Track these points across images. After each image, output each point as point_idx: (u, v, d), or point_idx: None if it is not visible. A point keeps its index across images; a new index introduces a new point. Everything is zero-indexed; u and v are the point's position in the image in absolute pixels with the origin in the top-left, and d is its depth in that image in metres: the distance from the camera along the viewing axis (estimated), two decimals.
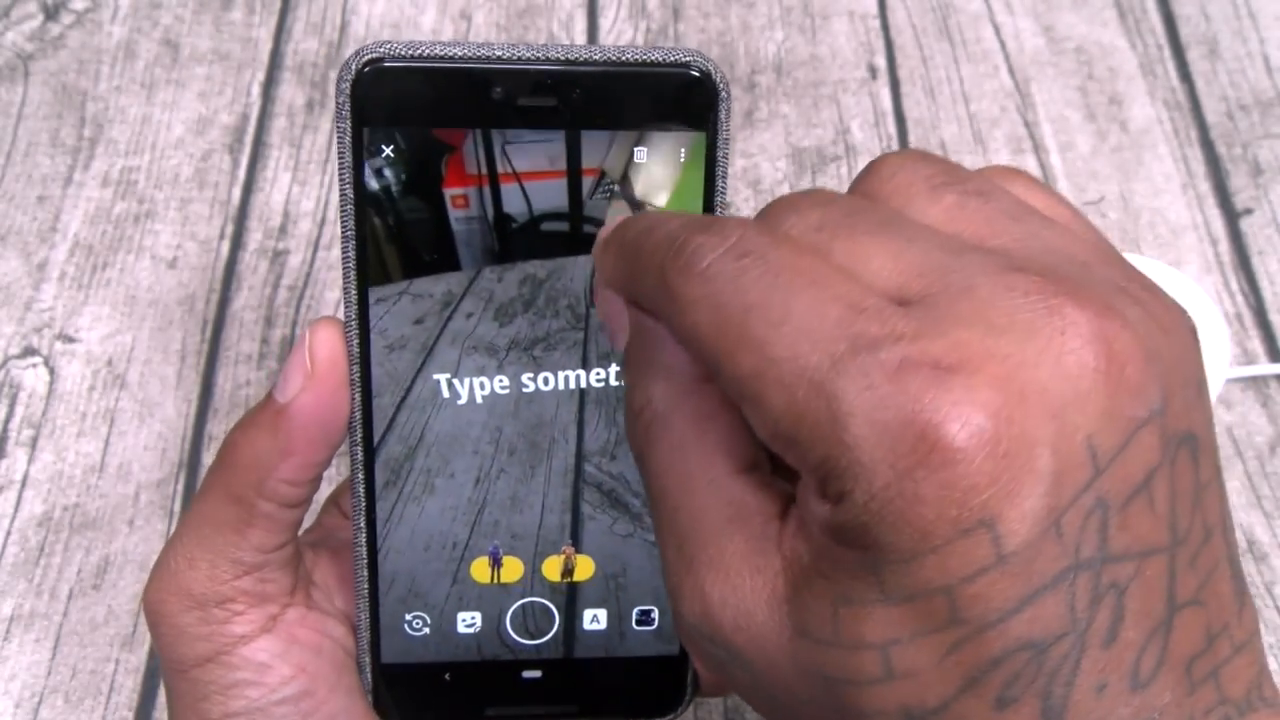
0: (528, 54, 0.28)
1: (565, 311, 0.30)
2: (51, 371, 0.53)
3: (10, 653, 0.46)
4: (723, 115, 0.29)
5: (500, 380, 0.31)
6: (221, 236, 0.57)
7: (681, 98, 0.29)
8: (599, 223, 0.30)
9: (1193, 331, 0.23)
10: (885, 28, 0.66)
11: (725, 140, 0.29)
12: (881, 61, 0.65)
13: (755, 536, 0.22)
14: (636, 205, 0.30)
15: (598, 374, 0.31)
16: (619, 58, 0.28)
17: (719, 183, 0.29)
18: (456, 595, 0.33)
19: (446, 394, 0.31)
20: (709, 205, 0.30)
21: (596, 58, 0.28)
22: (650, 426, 0.24)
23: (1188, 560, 0.21)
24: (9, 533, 0.49)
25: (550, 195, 0.29)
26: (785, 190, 0.60)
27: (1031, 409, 0.20)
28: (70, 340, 0.54)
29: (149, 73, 0.63)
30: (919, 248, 0.22)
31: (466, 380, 0.31)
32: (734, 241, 0.21)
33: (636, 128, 0.29)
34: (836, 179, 0.60)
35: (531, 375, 0.31)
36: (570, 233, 0.30)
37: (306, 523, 0.33)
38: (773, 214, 0.23)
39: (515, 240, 0.30)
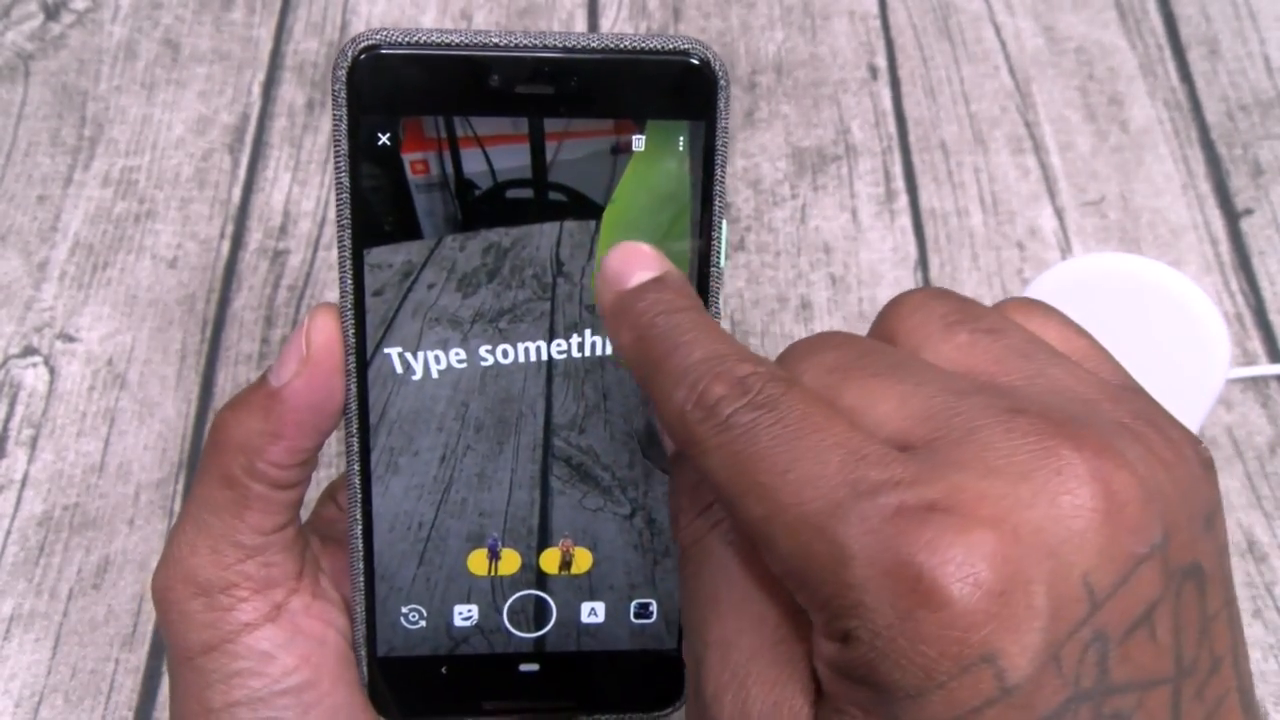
0: (525, 41, 0.28)
1: (531, 281, 0.30)
2: (51, 371, 0.53)
3: (10, 652, 0.46)
4: (722, 104, 0.29)
5: (458, 354, 0.31)
6: (222, 236, 0.57)
7: (680, 86, 0.28)
8: (564, 188, 0.30)
9: (1204, 464, 0.23)
10: (885, 28, 0.66)
11: (725, 129, 0.29)
12: (882, 61, 0.65)
13: (784, 660, 0.23)
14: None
15: (560, 346, 0.31)
16: (617, 45, 0.28)
17: (718, 172, 0.29)
18: (454, 588, 0.32)
19: (401, 370, 0.30)
20: (707, 196, 0.29)
21: (594, 45, 0.28)
22: (696, 548, 0.25)
23: (1194, 691, 0.22)
24: (9, 532, 0.49)
25: (514, 159, 0.29)
26: (785, 190, 0.60)
27: (1026, 549, 0.20)
28: (70, 340, 0.54)
29: (149, 73, 0.63)
30: (925, 391, 0.23)
31: (426, 355, 0.30)
32: (751, 396, 0.23)
33: (634, 116, 0.29)
34: (837, 179, 0.60)
35: (491, 348, 0.31)
36: (535, 199, 0.30)
37: (303, 516, 0.34)
38: (792, 356, 0.25)
39: (479, 207, 0.30)
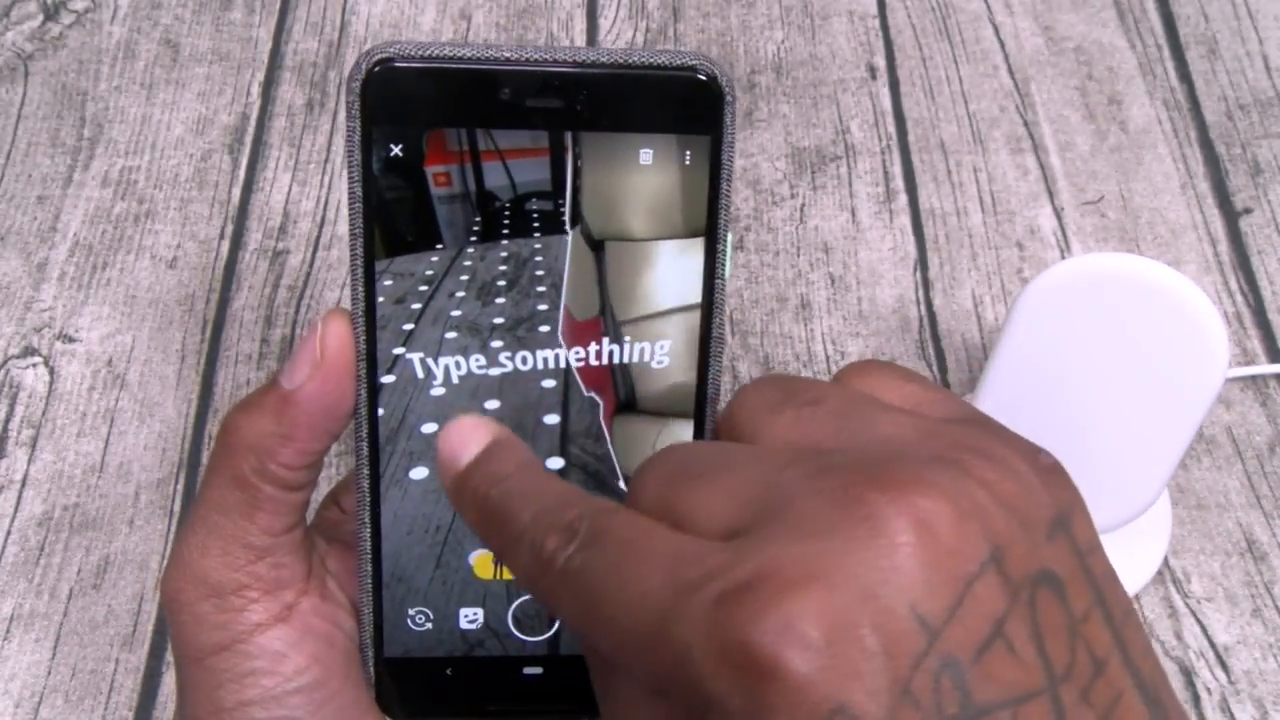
0: (536, 55, 0.28)
1: (551, 291, 0.31)
2: (51, 371, 0.53)
3: (10, 652, 0.46)
4: (728, 119, 0.29)
5: (478, 360, 0.31)
6: (221, 236, 0.57)
7: (687, 100, 0.29)
8: (577, 200, 0.30)
9: (1043, 472, 0.23)
10: (885, 28, 0.66)
11: (730, 144, 0.29)
12: (881, 61, 0.65)
13: None
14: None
15: (579, 353, 0.31)
16: (626, 60, 0.28)
17: (723, 185, 0.30)
18: (460, 591, 0.33)
19: (423, 375, 0.31)
20: (713, 208, 0.30)
21: (604, 60, 0.28)
22: (597, 680, 0.26)
23: (1077, 696, 0.22)
24: (9, 533, 0.49)
25: (533, 172, 0.30)
26: (785, 190, 0.60)
27: (845, 597, 0.21)
28: (70, 340, 0.54)
29: (149, 73, 0.63)
30: (745, 477, 0.24)
31: (446, 361, 0.31)
32: (580, 538, 0.24)
33: (643, 129, 0.29)
34: (836, 178, 0.60)
35: (510, 355, 0.31)
36: (554, 211, 0.30)
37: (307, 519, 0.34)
38: (635, 475, 0.26)
39: (499, 219, 0.30)
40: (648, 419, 0.32)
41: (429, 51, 0.28)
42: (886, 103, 0.63)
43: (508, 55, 0.28)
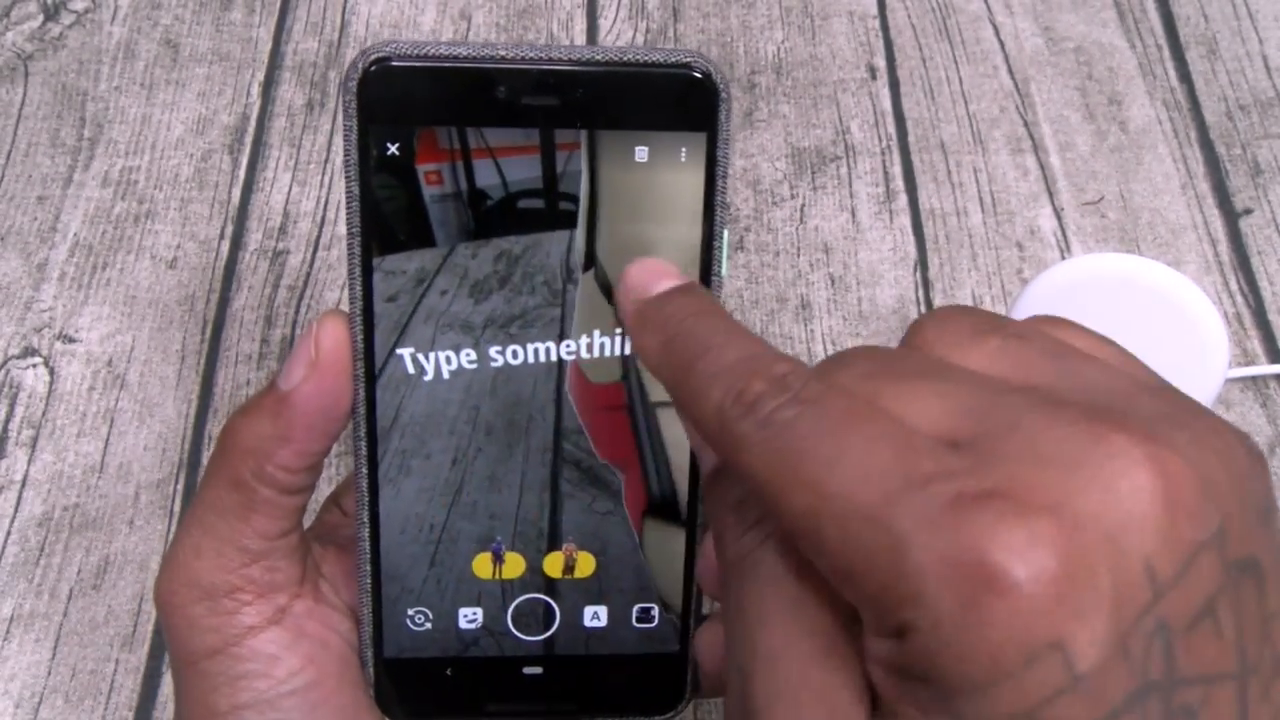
0: (532, 54, 0.28)
1: (542, 288, 0.31)
2: (51, 371, 0.53)
3: (10, 653, 0.46)
4: (723, 116, 0.29)
5: (469, 355, 0.31)
6: (221, 236, 0.57)
7: (683, 98, 0.29)
8: (572, 197, 0.30)
9: (1254, 457, 0.23)
10: (885, 28, 0.66)
11: (726, 141, 0.29)
12: (881, 61, 0.65)
13: (836, 669, 0.23)
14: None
15: (569, 346, 0.31)
16: (622, 58, 0.29)
17: (719, 183, 0.30)
18: (458, 591, 0.33)
19: (414, 370, 0.31)
20: (709, 206, 0.30)
21: (599, 58, 0.28)
22: (743, 564, 0.25)
23: (1260, 691, 0.21)
24: (9, 533, 0.49)
25: (525, 169, 0.30)
26: (785, 190, 0.60)
27: (1087, 533, 0.20)
28: (70, 340, 0.54)
29: (149, 73, 0.63)
30: (963, 390, 0.22)
31: (437, 355, 0.31)
32: (792, 393, 0.22)
33: (638, 127, 0.29)
34: (836, 179, 0.60)
35: (502, 349, 0.31)
36: (547, 208, 0.30)
37: (307, 521, 0.34)
38: (823, 366, 0.24)
39: (490, 216, 0.30)
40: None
41: (425, 50, 0.28)
42: (886, 103, 0.63)
43: (503, 53, 0.28)
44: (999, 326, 0.25)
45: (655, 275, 0.26)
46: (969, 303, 0.56)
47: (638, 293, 0.26)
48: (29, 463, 0.51)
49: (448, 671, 0.33)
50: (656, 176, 0.29)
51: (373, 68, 0.28)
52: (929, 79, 0.64)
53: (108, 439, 0.51)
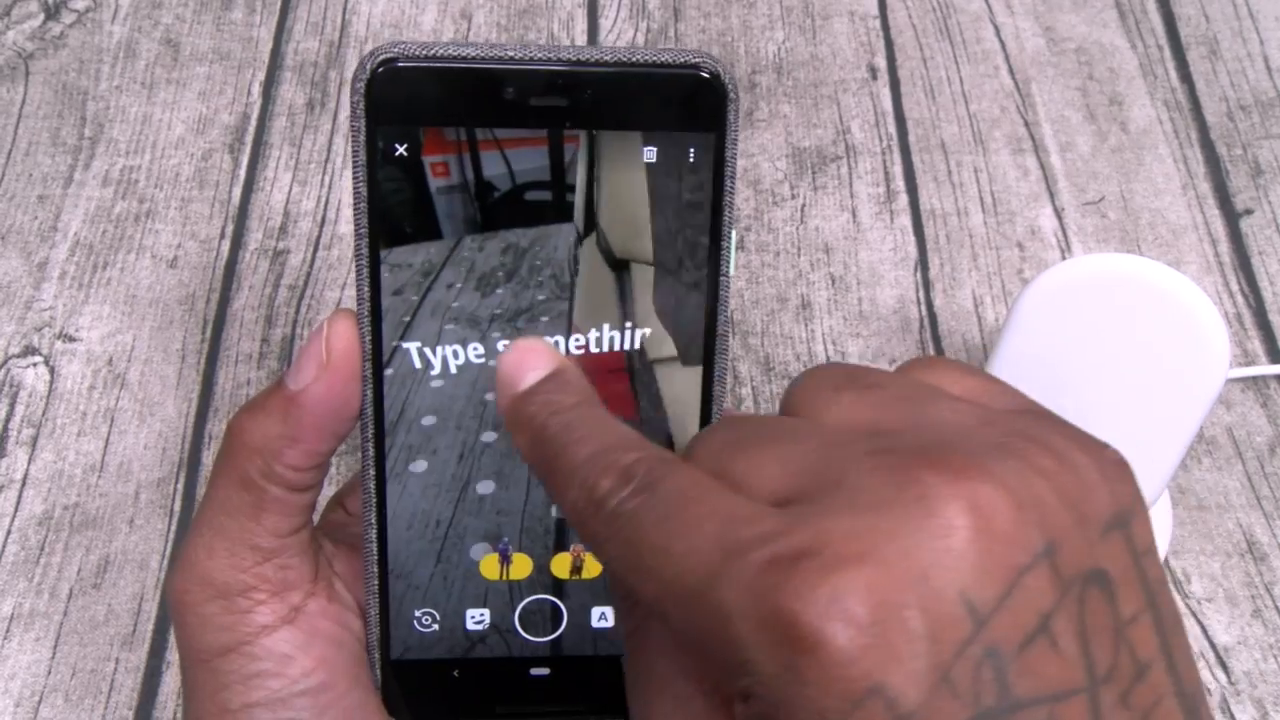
0: (539, 55, 0.28)
1: (549, 282, 0.31)
2: (52, 371, 0.53)
3: (10, 652, 0.46)
4: (731, 116, 0.29)
5: (476, 349, 0.31)
6: (222, 236, 0.57)
7: (691, 99, 0.29)
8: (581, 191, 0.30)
9: (1109, 465, 0.23)
10: (885, 28, 0.66)
11: (734, 142, 0.29)
12: (881, 61, 0.65)
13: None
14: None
15: (578, 340, 0.31)
16: (629, 59, 0.29)
17: (727, 183, 0.30)
18: (466, 592, 0.33)
19: (420, 365, 0.31)
20: (717, 206, 0.30)
21: (607, 59, 0.29)
22: (632, 637, 0.26)
23: (1116, 698, 0.21)
24: (9, 532, 0.49)
25: (532, 161, 0.30)
26: (785, 190, 0.60)
27: (895, 577, 0.21)
28: (70, 340, 0.54)
29: (149, 72, 0.63)
30: (802, 449, 0.24)
31: (444, 349, 0.31)
32: (634, 484, 0.23)
33: (646, 128, 0.29)
34: (837, 179, 0.60)
35: (508, 344, 0.31)
36: (555, 200, 0.30)
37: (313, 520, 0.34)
38: (694, 439, 0.26)
39: (497, 210, 0.30)
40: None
41: (433, 51, 0.28)
42: (887, 103, 0.63)
43: (511, 54, 0.28)
44: (856, 379, 0.26)
45: (525, 365, 0.27)
46: (969, 304, 0.56)
47: (508, 388, 0.27)
48: (29, 462, 0.51)
49: (455, 672, 0.33)
50: (664, 177, 0.30)
51: (380, 68, 0.28)
52: (930, 79, 0.64)
53: (108, 438, 0.51)
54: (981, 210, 0.59)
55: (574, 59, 0.28)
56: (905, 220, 0.59)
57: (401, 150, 0.29)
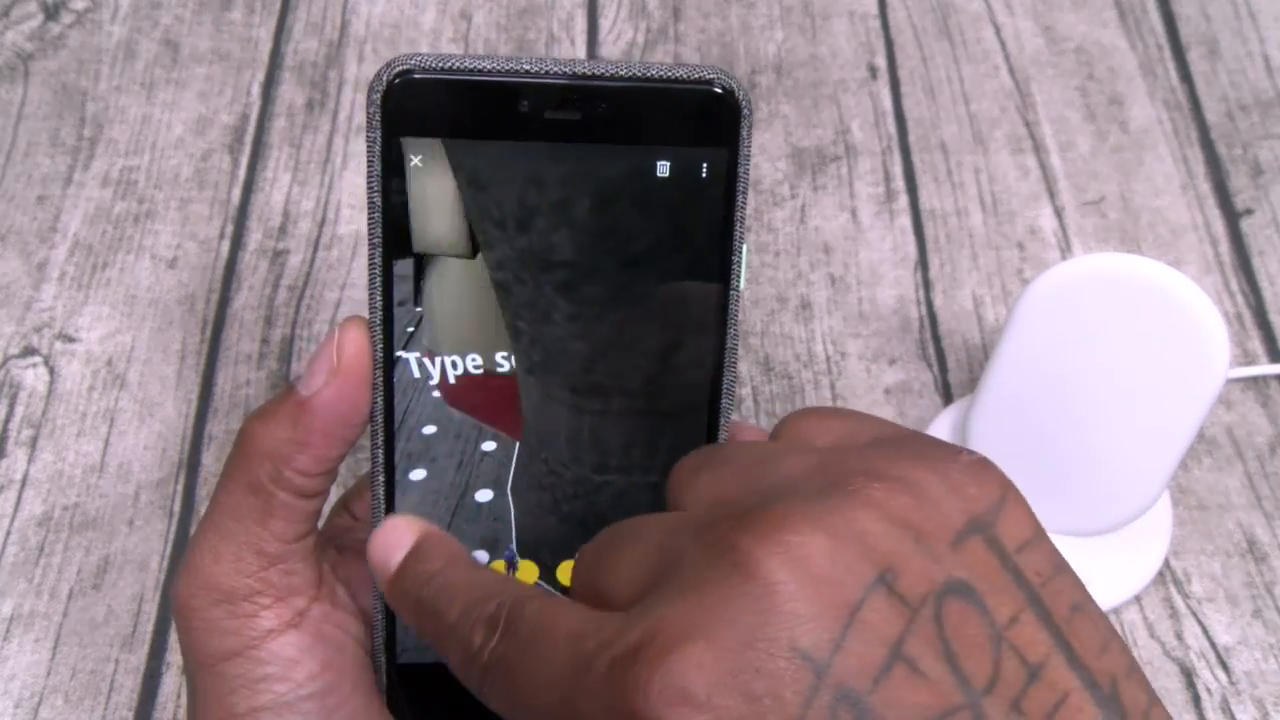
0: (555, 68, 0.29)
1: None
2: (51, 371, 0.53)
3: (10, 653, 0.46)
4: (745, 132, 0.29)
5: (474, 360, 0.31)
6: (221, 236, 0.57)
7: (705, 114, 0.29)
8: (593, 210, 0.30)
9: (963, 470, 0.23)
10: (885, 28, 0.66)
11: (747, 157, 0.30)
12: (881, 61, 0.65)
13: None
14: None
15: None
16: (644, 73, 0.29)
17: (739, 198, 0.30)
18: None
19: (419, 374, 0.31)
20: (729, 220, 0.30)
21: (622, 73, 0.29)
22: None
23: (1006, 706, 0.21)
24: (9, 533, 0.49)
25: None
26: (785, 190, 0.60)
27: (722, 648, 0.21)
28: (70, 340, 0.54)
29: (149, 73, 0.63)
30: (650, 543, 0.24)
31: (443, 359, 0.31)
32: (499, 630, 0.24)
33: (660, 142, 0.29)
34: (836, 179, 0.60)
35: (507, 355, 0.31)
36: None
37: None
38: (576, 558, 0.26)
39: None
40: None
41: (449, 64, 0.28)
42: (887, 103, 0.63)
43: (527, 68, 0.28)
44: (710, 457, 0.26)
45: (390, 546, 0.29)
46: (969, 304, 0.56)
47: (382, 574, 0.29)
48: (29, 462, 0.51)
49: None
50: (677, 191, 0.30)
51: (396, 80, 0.28)
52: (930, 79, 0.64)
53: (108, 439, 0.51)
54: (981, 210, 0.59)
55: (589, 73, 0.29)
56: (905, 220, 0.59)
57: (416, 160, 0.29)
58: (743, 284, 0.31)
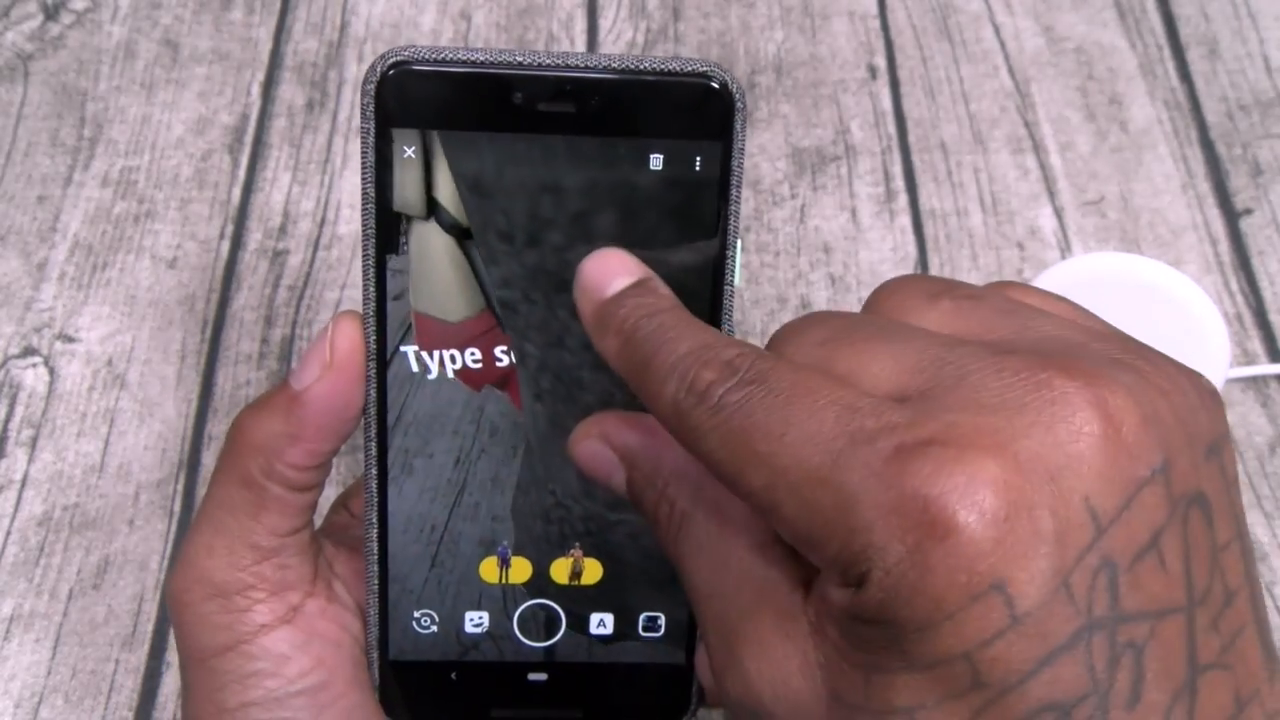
0: (549, 61, 0.28)
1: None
2: (51, 371, 0.53)
3: (10, 653, 0.46)
4: (739, 125, 0.29)
5: (473, 354, 0.31)
6: (221, 236, 0.57)
7: (699, 107, 0.29)
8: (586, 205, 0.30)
9: (1206, 393, 0.23)
10: (885, 28, 0.66)
11: (740, 150, 0.30)
12: (881, 61, 0.65)
13: (783, 609, 0.24)
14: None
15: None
16: (638, 66, 0.29)
17: (733, 192, 0.30)
18: (465, 594, 0.33)
19: (418, 368, 0.31)
20: (722, 215, 0.30)
21: (616, 66, 0.29)
22: (678, 527, 0.26)
23: (1209, 622, 0.21)
24: (9, 533, 0.49)
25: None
26: (785, 190, 0.60)
27: (1027, 474, 0.20)
28: (70, 340, 0.54)
29: (149, 73, 0.63)
30: (914, 347, 0.23)
31: (441, 354, 0.31)
32: (740, 375, 0.23)
33: (654, 135, 0.29)
34: (836, 178, 0.60)
35: (505, 350, 0.31)
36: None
37: (316, 522, 0.34)
38: (780, 338, 0.25)
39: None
40: None
41: (443, 55, 0.28)
42: (887, 103, 0.63)
43: (521, 60, 0.28)
44: (951, 288, 0.25)
45: (610, 274, 0.27)
46: None
47: (594, 293, 0.27)
48: (29, 462, 0.51)
49: (452, 675, 0.33)
50: (671, 185, 0.30)
51: (390, 71, 0.28)
52: (929, 79, 0.64)
53: (108, 439, 0.51)
54: (981, 210, 0.59)
55: (583, 65, 0.29)
56: (905, 220, 0.59)
57: (410, 152, 0.29)
58: (739, 280, 0.30)
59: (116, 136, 0.61)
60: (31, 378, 0.53)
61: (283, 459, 0.30)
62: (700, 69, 0.29)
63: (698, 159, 0.29)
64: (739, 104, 0.29)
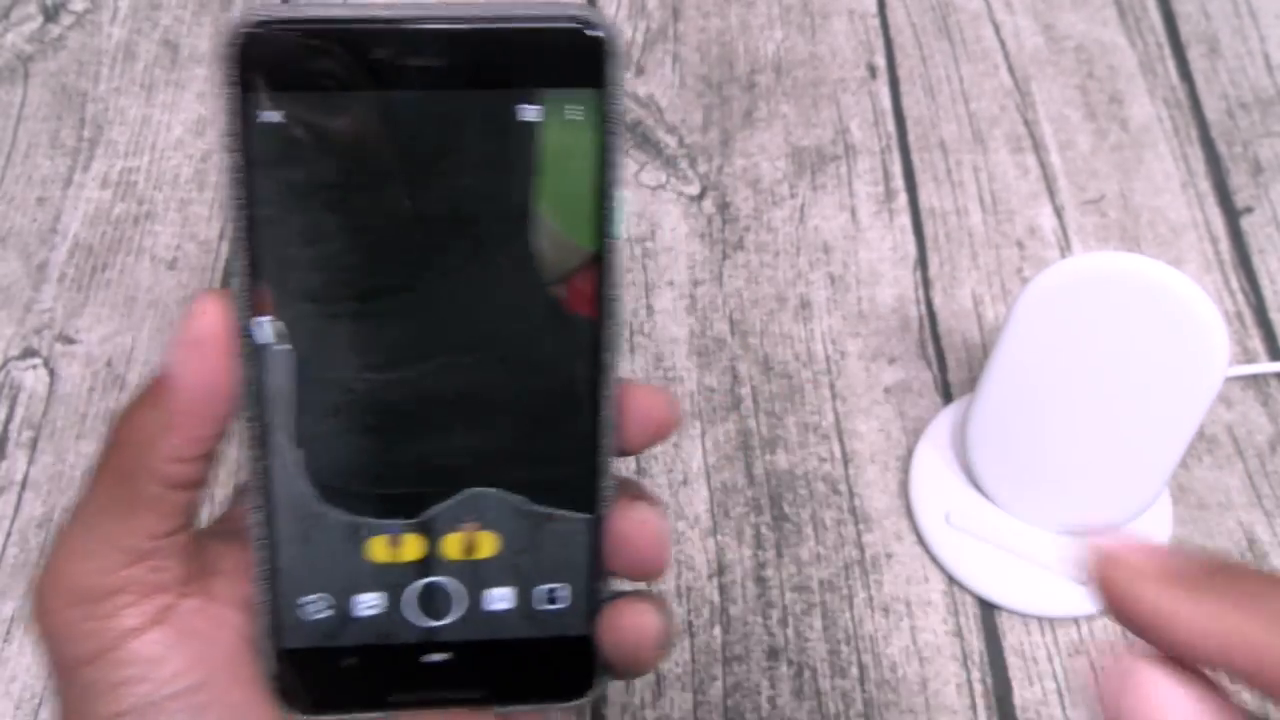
0: (413, 13, 0.28)
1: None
2: (51, 373, 0.53)
3: (10, 654, 0.46)
4: (614, 72, 0.28)
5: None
6: (221, 237, 0.57)
7: (571, 54, 0.28)
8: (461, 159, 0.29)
9: None
10: (885, 27, 0.66)
11: (617, 96, 0.29)
12: (881, 61, 0.65)
13: None
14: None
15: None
16: (507, 14, 0.28)
17: (612, 140, 0.29)
18: (355, 576, 0.31)
19: (276, 339, 0.29)
20: (602, 164, 0.29)
21: (484, 15, 0.28)
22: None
23: None
24: (9, 534, 0.49)
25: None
26: (784, 190, 0.60)
27: None
28: (70, 341, 0.54)
29: (149, 74, 0.63)
30: None
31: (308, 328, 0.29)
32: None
33: (527, 85, 0.28)
34: (836, 178, 0.60)
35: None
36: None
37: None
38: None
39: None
40: None
41: (300, 14, 0.27)
42: (886, 102, 0.63)
43: (383, 14, 0.27)
44: None
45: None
46: (968, 303, 0.56)
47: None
48: (29, 464, 0.51)
49: (348, 661, 0.32)
50: (546, 135, 0.29)
51: (248, 32, 0.27)
52: (929, 78, 0.64)
53: None
54: (981, 209, 0.59)
55: (448, 16, 0.28)
56: (905, 219, 0.59)
57: (275, 117, 0.28)
58: (620, 231, 0.30)
59: (116, 138, 0.61)
60: (32, 379, 0.53)
61: (160, 453, 0.28)
62: (569, 13, 0.28)
63: (573, 108, 0.29)
64: (613, 48, 0.28)
